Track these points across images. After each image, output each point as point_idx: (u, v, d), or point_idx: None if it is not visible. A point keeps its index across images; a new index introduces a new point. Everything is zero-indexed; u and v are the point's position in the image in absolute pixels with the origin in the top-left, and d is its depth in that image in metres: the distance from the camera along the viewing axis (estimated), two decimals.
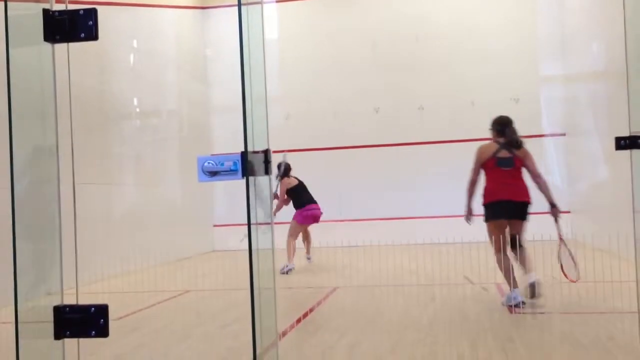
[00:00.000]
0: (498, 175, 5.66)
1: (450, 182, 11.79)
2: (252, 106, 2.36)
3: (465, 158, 12.23)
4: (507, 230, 5.61)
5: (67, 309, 1.86)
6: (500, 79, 11.66)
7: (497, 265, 5.62)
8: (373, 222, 10.83)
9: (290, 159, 11.42)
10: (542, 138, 11.66)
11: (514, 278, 5.45)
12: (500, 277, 6.76)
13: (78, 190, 2.93)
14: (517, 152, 5.66)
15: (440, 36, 11.99)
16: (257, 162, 2.34)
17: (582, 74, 10.69)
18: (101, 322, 1.84)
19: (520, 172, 5.68)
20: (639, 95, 2.38)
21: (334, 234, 10.30)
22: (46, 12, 1.92)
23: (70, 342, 2.11)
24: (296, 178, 8.92)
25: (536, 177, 5.68)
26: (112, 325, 1.89)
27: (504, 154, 5.65)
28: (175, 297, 6.78)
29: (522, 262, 5.60)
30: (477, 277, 6.97)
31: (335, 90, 12.19)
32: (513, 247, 5.62)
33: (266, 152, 2.37)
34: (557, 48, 11.63)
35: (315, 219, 8.82)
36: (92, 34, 1.88)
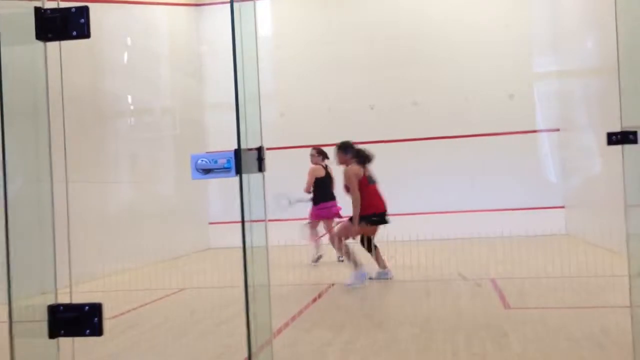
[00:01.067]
0: (371, 191, 6.87)
1: (444, 179, 11.84)
2: (245, 103, 2.36)
3: (460, 155, 12.27)
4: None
5: (62, 307, 1.86)
6: (494, 75, 11.68)
7: (343, 252, 6.78)
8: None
9: (285, 155, 11.43)
10: (536, 134, 11.70)
11: (359, 260, 6.65)
12: (494, 272, 6.79)
13: (72, 189, 2.92)
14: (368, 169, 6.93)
15: (435, 32, 11.99)
16: (251, 159, 2.34)
17: (576, 70, 10.72)
18: (95, 321, 1.84)
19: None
20: (631, 91, 2.39)
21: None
22: (38, 10, 1.92)
23: (65, 341, 2.11)
24: (328, 171, 8.86)
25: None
26: (107, 323, 1.90)
27: (368, 172, 6.92)
28: (170, 295, 6.78)
29: (378, 259, 6.89)
30: (471, 273, 6.99)
31: (329, 87, 12.18)
32: (369, 248, 6.89)
33: (260, 150, 2.37)
34: (551, 44, 11.66)
35: (326, 217, 8.69)
36: (84, 32, 1.88)
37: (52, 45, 2.02)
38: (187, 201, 11.43)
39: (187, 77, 12.16)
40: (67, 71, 2.23)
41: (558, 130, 11.52)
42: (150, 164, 10.48)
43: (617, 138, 2.35)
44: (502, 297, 5.66)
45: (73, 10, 1.92)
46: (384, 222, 6.89)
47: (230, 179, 2.36)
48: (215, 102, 12.44)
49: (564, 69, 11.31)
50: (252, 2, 2.43)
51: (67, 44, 2.00)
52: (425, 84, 11.90)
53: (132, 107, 10.29)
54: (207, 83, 12.60)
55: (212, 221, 12.40)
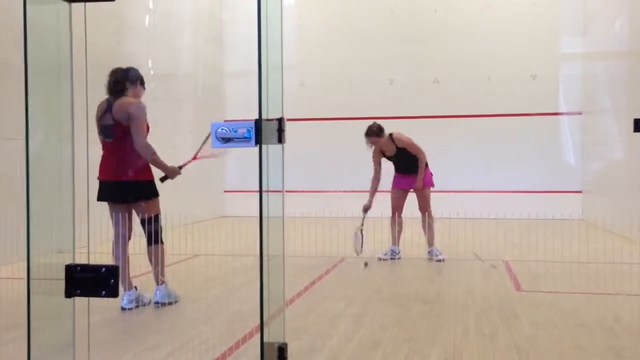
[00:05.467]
0: None
1: (462, 157, 11.75)
2: (268, 73, 2.34)
3: (479, 134, 12.15)
4: None
5: (79, 268, 1.88)
6: (518, 54, 11.50)
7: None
8: (385, 194, 10.87)
9: (304, 127, 11.38)
10: (558, 116, 11.54)
11: None
12: (508, 254, 6.76)
13: (91, 150, 2.94)
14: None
15: (458, 8, 11.81)
16: (271, 130, 2.33)
17: (603, 53, 10.51)
18: (111, 282, 1.86)
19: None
20: None
21: (344, 205, 10.32)
22: None
23: (80, 300, 2.14)
24: None
25: None
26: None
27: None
28: (184, 260, 6.85)
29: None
30: (486, 253, 6.98)
31: (351, 60, 12.07)
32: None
33: (280, 121, 2.35)
34: (579, 25, 11.43)
35: None
36: None
37: (77, 6, 2.01)
38: (204, 168, 11.46)
39: (207, 43, 12.10)
40: (90, 33, 2.22)
41: (580, 113, 11.35)
42: (168, 129, 10.50)
43: None
44: (515, 279, 5.65)
45: None
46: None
47: (248, 148, 2.35)
48: (235, 70, 12.41)
49: (591, 51, 11.09)
50: None
51: (90, 6, 1.99)
52: (447, 61, 11.75)
53: (152, 72, 10.27)
54: (227, 51, 12.55)
55: (228, 189, 12.46)
